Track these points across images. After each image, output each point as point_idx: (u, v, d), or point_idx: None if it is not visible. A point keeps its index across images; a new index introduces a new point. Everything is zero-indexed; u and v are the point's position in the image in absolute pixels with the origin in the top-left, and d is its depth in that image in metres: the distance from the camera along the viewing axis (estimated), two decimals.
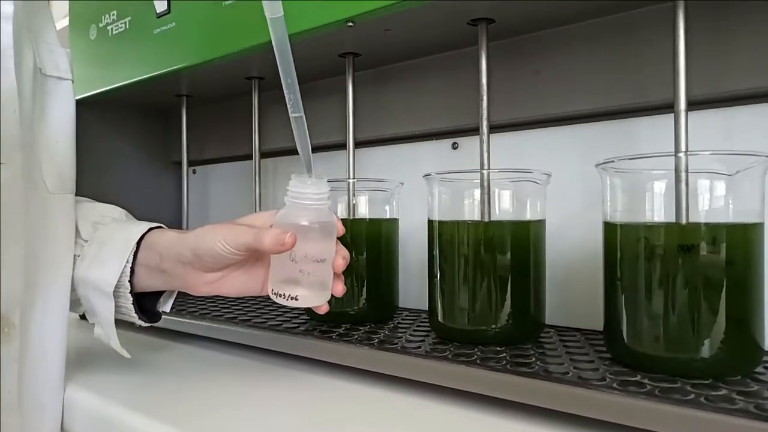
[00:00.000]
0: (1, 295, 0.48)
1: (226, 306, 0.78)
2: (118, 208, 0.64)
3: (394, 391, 0.52)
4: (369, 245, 0.67)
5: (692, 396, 0.38)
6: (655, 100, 0.56)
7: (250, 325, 0.65)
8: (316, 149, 0.65)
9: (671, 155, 0.44)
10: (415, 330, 0.61)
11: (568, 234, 0.62)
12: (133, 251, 0.53)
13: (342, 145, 0.75)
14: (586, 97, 0.61)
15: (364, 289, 0.66)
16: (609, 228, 0.47)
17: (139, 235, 0.54)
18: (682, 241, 0.43)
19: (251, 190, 0.85)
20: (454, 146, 0.72)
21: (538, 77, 0.64)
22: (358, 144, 0.72)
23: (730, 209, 0.45)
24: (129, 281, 0.53)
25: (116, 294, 0.53)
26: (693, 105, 0.48)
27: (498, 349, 0.52)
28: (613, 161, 0.47)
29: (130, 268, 0.53)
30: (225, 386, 0.56)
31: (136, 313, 0.54)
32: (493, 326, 0.54)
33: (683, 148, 0.45)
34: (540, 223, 0.57)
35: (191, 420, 0.47)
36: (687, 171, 0.44)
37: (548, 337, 0.57)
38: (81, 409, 0.54)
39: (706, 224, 0.44)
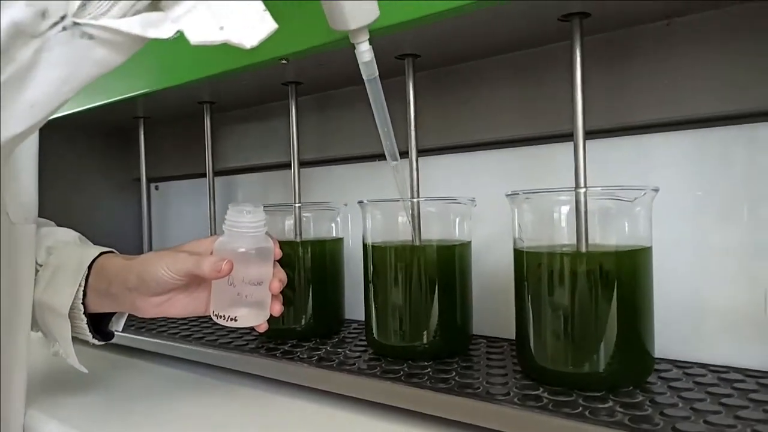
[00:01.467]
0: None
1: (184, 323, 0.81)
2: (72, 232, 0.66)
3: (332, 406, 0.56)
4: (314, 264, 0.71)
5: (579, 409, 0.43)
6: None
7: (202, 343, 0.69)
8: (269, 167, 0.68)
9: (572, 190, 0.49)
10: (356, 345, 0.65)
11: (496, 248, 0.66)
12: (85, 275, 0.56)
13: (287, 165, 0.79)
14: (507, 125, 0.65)
15: (309, 306, 0.70)
16: (517, 254, 0.52)
17: (90, 260, 0.57)
18: (579, 267, 0.47)
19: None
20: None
21: (465, 106, 0.68)
22: (303, 164, 0.76)
23: (625, 234, 0.50)
24: (82, 303, 0.56)
25: (71, 315, 0.56)
26: (594, 134, 0.52)
27: (425, 364, 0.57)
28: (518, 194, 0.51)
29: (83, 291, 0.56)
30: (173, 402, 0.60)
31: (90, 332, 0.58)
32: (422, 342, 0.58)
33: (582, 183, 0.49)
34: (466, 245, 0.61)
35: None
36: (585, 204, 0.48)
37: (476, 350, 0.62)
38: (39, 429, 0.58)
39: (602, 252, 0.48)
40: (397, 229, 0.63)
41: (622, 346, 0.47)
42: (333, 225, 0.76)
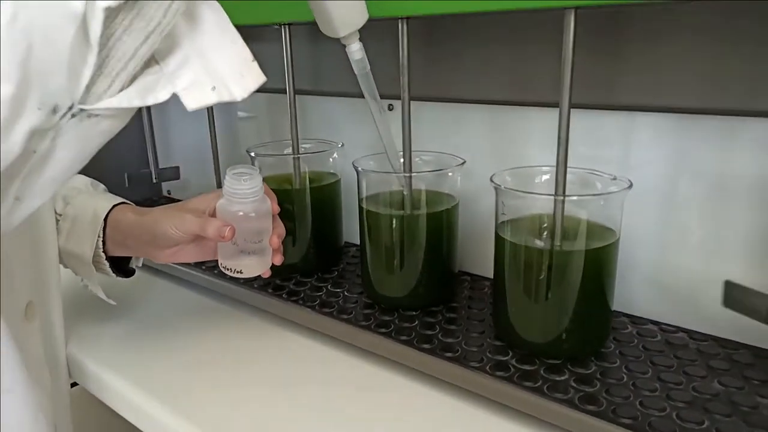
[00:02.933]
0: (24, 287, 0.57)
1: None
2: (84, 178, 0.71)
3: (330, 347, 0.65)
4: (314, 208, 0.76)
5: (540, 382, 0.51)
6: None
7: (216, 274, 0.77)
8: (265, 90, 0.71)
9: (551, 196, 0.52)
10: (353, 285, 0.73)
11: (482, 197, 0.71)
12: (102, 227, 0.63)
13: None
14: (495, 88, 0.67)
15: (311, 245, 0.76)
16: (498, 239, 0.57)
17: (105, 213, 0.63)
18: (552, 260, 0.53)
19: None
20: (390, 108, 0.78)
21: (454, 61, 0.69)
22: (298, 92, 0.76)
23: (598, 216, 0.55)
24: (102, 251, 0.63)
25: (94, 261, 0.64)
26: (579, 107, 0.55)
27: (414, 314, 0.64)
28: (500, 186, 0.55)
29: (102, 241, 0.63)
30: (188, 327, 0.69)
31: (113, 273, 0.66)
32: (410, 296, 0.66)
33: (561, 191, 0.52)
34: (453, 209, 0.66)
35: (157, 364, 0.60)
36: (563, 212, 0.52)
37: (461, 293, 0.69)
38: (76, 362, 0.67)
39: (573, 251, 0.53)
40: (390, 201, 0.67)
41: (582, 322, 0.54)
42: (331, 160, 0.80)
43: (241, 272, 0.58)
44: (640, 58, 0.57)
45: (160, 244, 0.60)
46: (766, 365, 0.53)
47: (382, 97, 0.77)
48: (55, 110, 0.32)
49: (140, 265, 0.71)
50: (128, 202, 0.67)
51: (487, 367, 0.54)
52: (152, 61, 0.35)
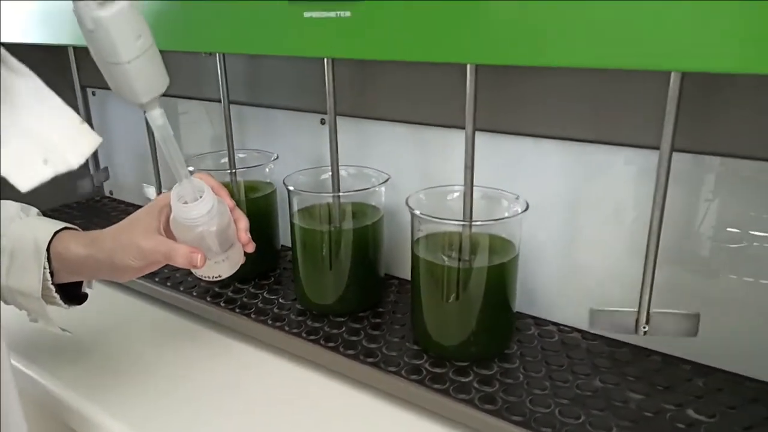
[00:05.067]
0: None
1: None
2: (12, 204, 0.63)
3: (264, 351, 0.71)
4: (251, 219, 0.80)
5: (447, 384, 0.58)
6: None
7: (157, 282, 0.81)
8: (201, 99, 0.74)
9: (462, 223, 0.58)
10: (287, 293, 0.78)
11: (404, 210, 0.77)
12: (45, 257, 0.57)
13: None
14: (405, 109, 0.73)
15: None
16: (414, 255, 0.63)
17: (46, 243, 0.57)
18: (460, 275, 0.60)
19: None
20: (322, 122, 0.82)
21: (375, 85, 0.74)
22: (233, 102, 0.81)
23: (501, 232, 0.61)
24: (51, 283, 0.58)
25: (44, 295, 0.58)
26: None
27: (342, 320, 0.70)
28: (417, 212, 0.61)
29: (50, 272, 0.57)
30: (127, 336, 0.73)
31: (65, 304, 0.60)
32: (339, 303, 0.71)
33: (468, 218, 0.58)
34: (378, 222, 0.71)
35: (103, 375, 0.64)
36: (470, 234, 0.58)
37: (387, 297, 0.75)
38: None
39: (478, 267, 0.60)
40: (319, 215, 0.72)
41: (487, 328, 0.61)
42: (267, 170, 0.84)
43: (219, 276, 0.57)
44: (536, 90, 0.63)
45: (121, 272, 0.56)
46: (641, 362, 0.61)
47: (316, 112, 0.83)
48: None
49: (92, 287, 0.65)
50: (70, 226, 0.61)
51: (403, 371, 0.61)
52: None
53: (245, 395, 0.64)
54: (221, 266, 0.56)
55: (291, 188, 0.70)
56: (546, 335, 0.67)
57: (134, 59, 0.42)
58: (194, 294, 0.78)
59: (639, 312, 0.52)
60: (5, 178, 0.32)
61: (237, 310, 0.74)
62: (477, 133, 0.57)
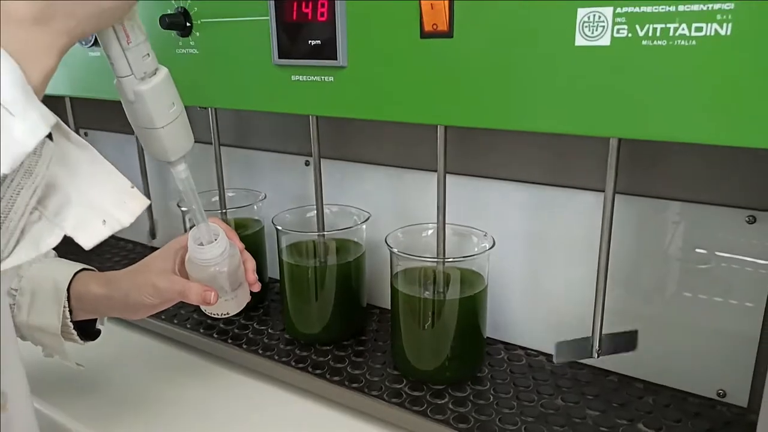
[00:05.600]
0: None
1: None
2: None
3: (255, 379, 0.76)
4: None
5: (424, 406, 0.64)
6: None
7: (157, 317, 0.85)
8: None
9: (436, 260, 0.65)
10: (275, 323, 0.83)
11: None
12: (66, 297, 0.61)
13: None
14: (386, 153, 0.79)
15: None
16: (393, 288, 0.69)
17: (66, 284, 0.62)
18: (434, 306, 0.66)
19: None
20: (306, 164, 0.89)
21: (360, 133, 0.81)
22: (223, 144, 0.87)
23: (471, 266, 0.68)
24: (70, 321, 0.62)
25: (63, 332, 0.62)
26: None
27: (327, 349, 0.76)
28: (395, 250, 0.67)
29: (69, 310, 0.62)
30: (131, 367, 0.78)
31: (81, 340, 0.64)
32: (325, 332, 0.77)
33: (441, 256, 0.65)
34: (360, 257, 0.78)
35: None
36: (443, 270, 0.65)
37: (370, 327, 0.81)
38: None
39: (451, 299, 0.66)
40: (306, 251, 0.78)
41: (460, 353, 0.67)
42: (255, 208, 0.90)
43: (227, 313, 0.62)
44: (502, 140, 0.71)
45: (135, 310, 0.61)
46: (599, 382, 0.68)
47: (301, 154, 0.89)
48: None
49: (104, 324, 0.69)
50: (88, 267, 0.65)
51: (385, 395, 0.66)
52: (32, 208, 0.36)
53: (239, 422, 0.69)
54: (230, 304, 0.61)
55: (279, 228, 0.76)
56: (514, 359, 0.73)
57: (167, 125, 0.47)
58: (188, 326, 0.83)
59: (592, 337, 0.59)
60: (72, 237, 0.37)
61: (229, 341, 0.79)
62: (450, 175, 0.64)
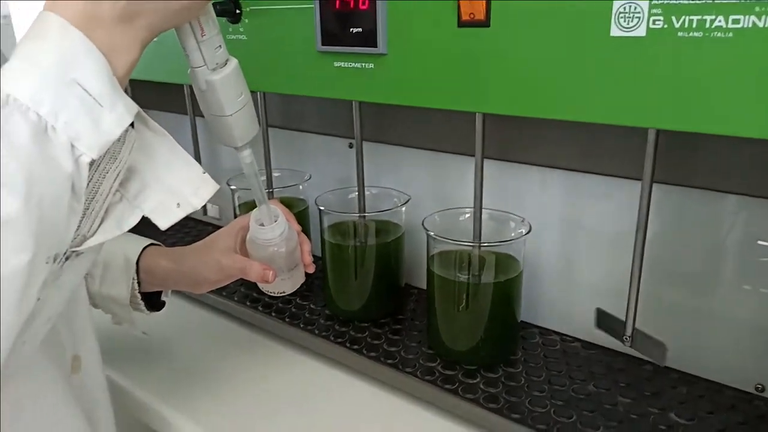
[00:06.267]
0: (68, 341, 0.56)
1: None
2: None
3: (297, 352, 0.79)
4: None
5: (456, 384, 0.66)
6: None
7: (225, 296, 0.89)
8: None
9: (471, 244, 0.66)
10: (317, 301, 0.86)
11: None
12: (135, 270, 0.65)
13: None
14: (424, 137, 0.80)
15: None
16: (429, 271, 0.71)
17: (135, 258, 0.66)
18: (469, 289, 0.67)
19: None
20: (350, 146, 0.91)
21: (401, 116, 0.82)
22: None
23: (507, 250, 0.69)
24: (138, 292, 0.66)
25: (131, 302, 0.66)
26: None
27: (365, 325, 0.79)
28: (432, 233, 0.69)
29: (137, 283, 0.66)
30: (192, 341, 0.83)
31: (148, 311, 0.68)
32: (363, 311, 0.80)
33: (477, 240, 0.66)
34: (400, 238, 0.80)
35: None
36: (479, 254, 0.66)
37: (408, 306, 0.83)
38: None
39: (484, 283, 0.68)
40: (347, 231, 0.81)
41: (493, 336, 0.69)
42: (300, 187, 0.93)
43: (283, 292, 0.65)
44: (542, 125, 0.71)
45: (202, 287, 0.66)
46: (634, 371, 0.68)
47: (344, 137, 0.91)
48: (55, 259, 0.36)
49: (169, 296, 0.72)
50: (156, 242, 0.69)
51: (418, 372, 0.69)
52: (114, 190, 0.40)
53: (279, 390, 0.72)
54: (286, 283, 0.64)
55: (321, 208, 0.79)
56: (549, 344, 0.74)
57: (235, 113, 0.50)
58: (235, 299, 0.87)
59: (625, 324, 0.60)
60: (148, 217, 0.41)
61: (273, 314, 0.83)
62: (489, 161, 0.64)
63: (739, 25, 0.39)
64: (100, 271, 0.66)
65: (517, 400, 0.64)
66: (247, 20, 0.68)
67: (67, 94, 0.35)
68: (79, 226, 0.37)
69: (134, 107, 0.38)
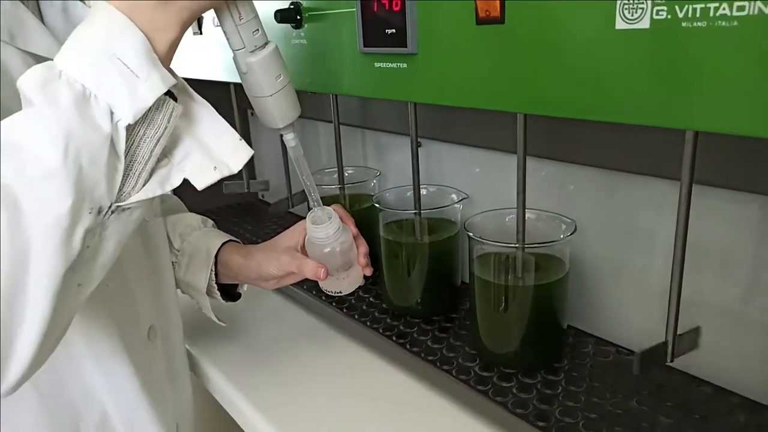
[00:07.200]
0: (146, 313, 0.64)
1: None
2: (195, 216, 0.79)
3: (355, 342, 0.83)
4: None
5: (489, 386, 0.65)
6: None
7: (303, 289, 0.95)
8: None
9: (514, 246, 0.65)
10: (375, 296, 0.89)
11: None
12: (213, 262, 0.72)
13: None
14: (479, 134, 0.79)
15: None
16: (471, 274, 0.71)
17: (215, 251, 0.72)
18: (511, 292, 0.66)
19: None
20: (419, 144, 0.92)
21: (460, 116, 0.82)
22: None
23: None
24: (215, 283, 0.73)
25: (208, 291, 0.73)
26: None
27: (416, 320, 0.80)
28: (472, 235, 0.69)
29: (215, 274, 0.72)
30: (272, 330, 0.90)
31: (224, 300, 0.75)
32: (417, 307, 0.81)
33: (521, 241, 0.64)
34: (454, 237, 0.80)
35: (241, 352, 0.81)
36: (522, 257, 0.65)
37: (462, 305, 0.83)
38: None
39: (529, 285, 0.66)
40: (404, 228, 0.83)
41: (533, 341, 0.67)
42: (370, 184, 0.97)
43: (340, 292, 0.66)
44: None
45: (265, 279, 0.70)
46: (688, 391, 0.62)
47: (421, 136, 0.93)
48: (99, 211, 0.41)
49: (245, 290, 0.79)
50: (234, 239, 0.75)
51: (454, 371, 0.69)
52: (162, 156, 0.45)
53: (328, 373, 0.76)
54: (342, 283, 0.65)
55: (377, 205, 0.82)
56: (601, 354, 0.70)
57: (274, 93, 0.53)
58: (313, 292, 0.92)
59: (666, 342, 0.55)
60: (188, 179, 0.45)
61: (333, 304, 0.87)
62: (536, 159, 0.62)
63: (744, 12, 0.35)
64: (186, 260, 0.73)
65: (547, 408, 0.62)
66: (306, 25, 0.73)
67: (109, 67, 0.40)
68: (124, 185, 0.42)
69: (170, 79, 0.43)
